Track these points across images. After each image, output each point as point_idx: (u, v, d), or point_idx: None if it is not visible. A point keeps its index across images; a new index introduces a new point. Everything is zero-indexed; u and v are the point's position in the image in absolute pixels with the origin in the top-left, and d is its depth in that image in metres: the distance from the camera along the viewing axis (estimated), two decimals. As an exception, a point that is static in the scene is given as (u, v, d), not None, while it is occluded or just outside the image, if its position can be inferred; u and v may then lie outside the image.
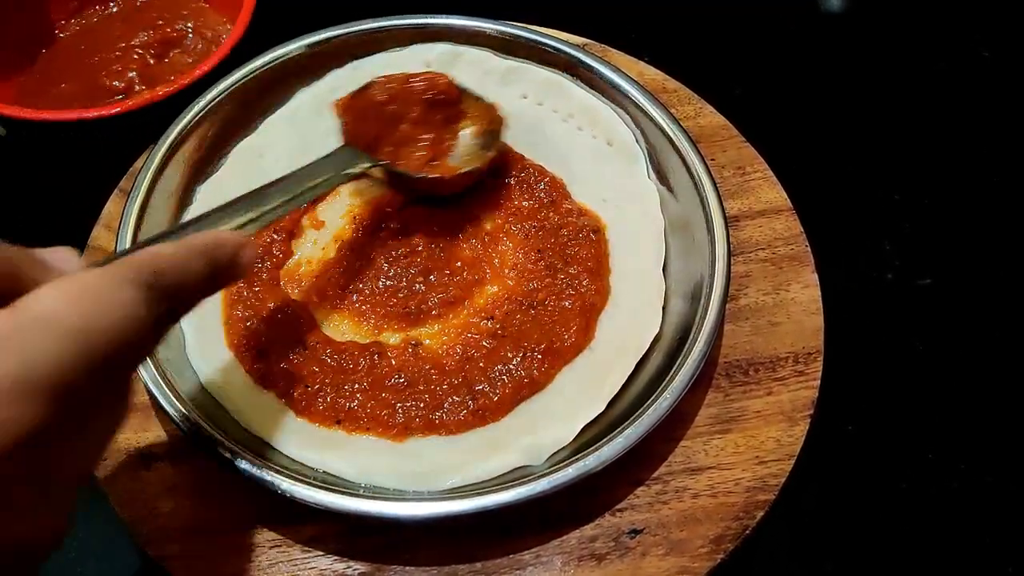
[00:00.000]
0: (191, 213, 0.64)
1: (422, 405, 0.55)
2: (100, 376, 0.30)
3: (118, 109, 0.66)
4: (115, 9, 0.82)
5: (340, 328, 0.60)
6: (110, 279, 0.31)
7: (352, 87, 0.70)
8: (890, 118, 0.80)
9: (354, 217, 0.64)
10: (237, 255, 0.41)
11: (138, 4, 0.83)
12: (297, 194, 0.53)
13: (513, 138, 0.67)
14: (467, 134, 0.64)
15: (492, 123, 0.64)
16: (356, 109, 0.63)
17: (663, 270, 0.62)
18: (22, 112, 0.66)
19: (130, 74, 0.74)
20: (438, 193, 0.64)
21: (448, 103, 0.64)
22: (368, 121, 0.62)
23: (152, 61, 0.76)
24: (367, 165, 0.60)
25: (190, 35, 0.79)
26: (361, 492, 0.51)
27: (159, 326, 0.35)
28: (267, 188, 0.52)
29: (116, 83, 0.66)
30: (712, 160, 0.67)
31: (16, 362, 0.27)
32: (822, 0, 0.92)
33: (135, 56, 0.77)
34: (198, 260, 0.37)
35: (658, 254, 0.62)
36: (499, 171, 0.65)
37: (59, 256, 0.35)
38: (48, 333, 0.28)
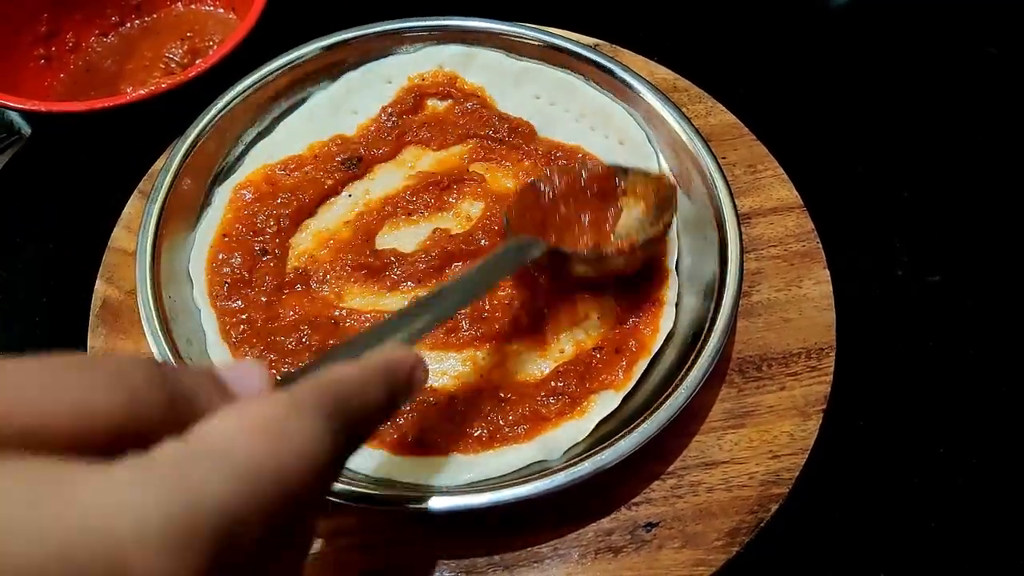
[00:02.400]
0: (209, 214, 0.65)
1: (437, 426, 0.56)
2: (277, 519, 0.25)
3: (126, 100, 0.67)
4: (147, 22, 0.84)
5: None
6: (292, 408, 0.28)
7: (365, 89, 0.72)
8: (899, 115, 0.81)
9: None
10: (413, 375, 0.37)
11: (168, 18, 0.85)
12: (472, 294, 0.50)
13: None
14: (635, 212, 0.61)
15: (659, 193, 0.61)
16: (520, 203, 0.60)
17: (676, 267, 0.62)
18: (42, 105, 0.68)
19: (153, 84, 0.75)
20: (613, 275, 0.60)
21: (608, 190, 0.62)
22: (532, 211, 0.60)
23: (179, 72, 0.77)
24: (540, 251, 0.56)
25: (214, 48, 0.80)
26: (379, 486, 0.52)
27: (340, 460, 0.30)
28: (443, 290, 0.48)
29: (141, 92, 0.67)
30: (723, 158, 0.67)
31: (180, 503, 0.23)
32: (830, -1, 0.93)
33: (161, 66, 0.79)
34: (378, 384, 0.34)
35: (671, 252, 0.63)
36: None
37: (242, 374, 0.32)
38: (221, 470, 0.24)
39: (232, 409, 0.27)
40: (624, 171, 0.62)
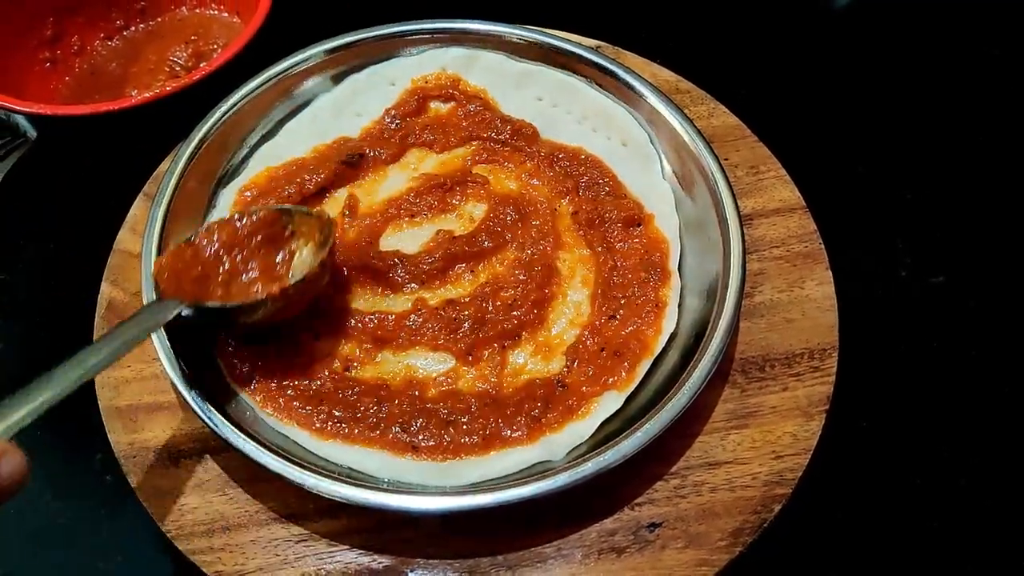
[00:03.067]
0: (214, 216, 0.65)
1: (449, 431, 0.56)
2: None
3: (131, 103, 0.67)
4: (151, 26, 0.85)
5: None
6: None
7: (369, 92, 0.72)
8: (901, 116, 0.81)
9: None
10: None
11: (172, 21, 0.85)
12: (94, 365, 0.47)
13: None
14: (306, 251, 0.59)
15: (322, 231, 0.60)
16: (174, 265, 0.57)
17: (679, 268, 0.62)
18: (47, 108, 0.69)
19: (158, 87, 0.76)
20: (282, 318, 0.59)
21: (275, 235, 0.60)
22: (189, 270, 0.57)
23: (183, 75, 0.78)
24: (178, 310, 0.53)
25: (218, 51, 0.80)
26: (385, 487, 0.52)
27: None
28: (55, 370, 0.45)
29: (146, 95, 0.68)
30: (726, 160, 0.68)
31: None
32: None
33: (166, 69, 0.79)
34: None
35: (674, 253, 0.63)
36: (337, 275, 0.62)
37: None
38: None
39: None
40: (288, 212, 0.60)
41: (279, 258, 0.59)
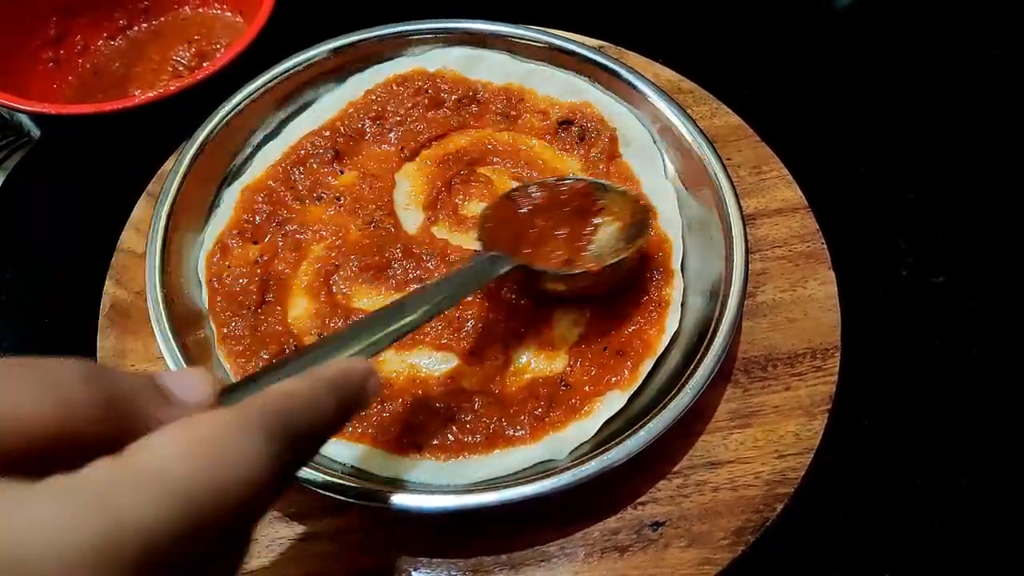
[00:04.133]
0: (218, 216, 0.66)
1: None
2: (211, 538, 0.25)
3: (135, 103, 0.67)
4: (155, 25, 0.85)
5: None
6: (236, 428, 0.27)
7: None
8: (903, 117, 0.81)
9: None
10: (364, 386, 0.36)
11: (176, 21, 0.85)
12: (435, 304, 0.49)
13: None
14: (610, 231, 0.60)
15: (635, 215, 0.60)
16: (496, 215, 0.60)
17: (681, 268, 0.63)
18: (51, 107, 0.69)
19: (161, 87, 0.76)
20: (583, 294, 0.60)
21: (586, 207, 0.61)
22: (508, 224, 0.60)
23: (186, 75, 0.78)
24: (508, 268, 0.55)
25: (221, 51, 0.80)
26: (387, 486, 0.52)
27: (285, 476, 0.30)
28: (406, 299, 0.48)
29: (150, 94, 0.68)
30: (728, 160, 0.68)
31: (104, 524, 0.22)
32: None
33: (169, 69, 0.80)
34: (328, 397, 0.33)
35: (677, 252, 0.63)
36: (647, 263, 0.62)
37: (188, 383, 0.31)
38: (153, 492, 0.23)
39: (172, 428, 0.26)
40: (603, 188, 0.62)
41: (585, 231, 0.60)
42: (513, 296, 0.60)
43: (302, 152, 0.68)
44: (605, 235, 0.60)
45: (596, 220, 0.61)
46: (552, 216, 0.60)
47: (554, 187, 0.61)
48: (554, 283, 0.59)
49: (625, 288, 0.61)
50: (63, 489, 0.23)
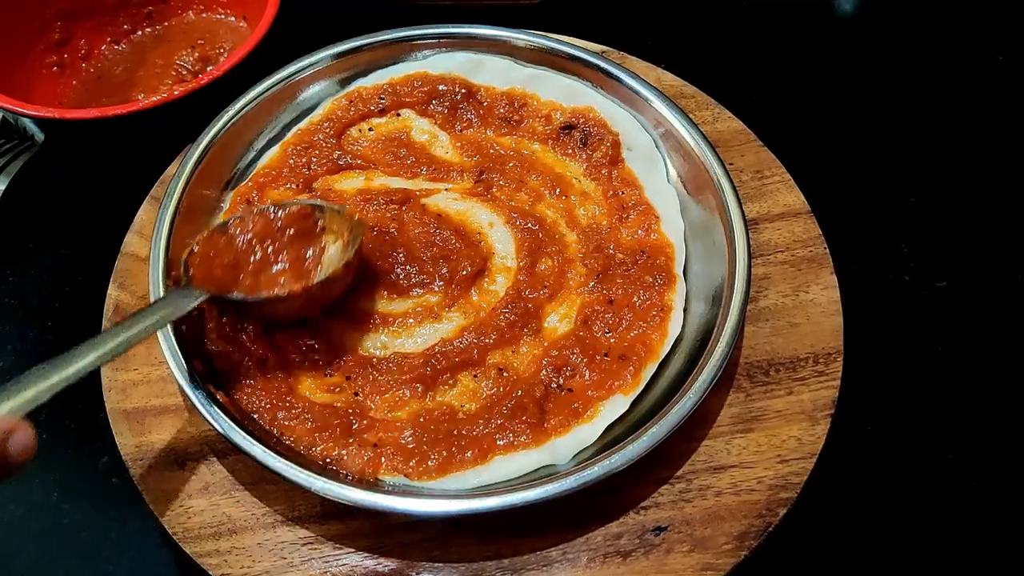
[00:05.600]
0: (220, 219, 0.66)
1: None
2: None
3: (138, 107, 0.68)
4: (159, 30, 0.85)
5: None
6: None
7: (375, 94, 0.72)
8: (906, 122, 0.81)
9: None
10: (5, 443, 0.35)
11: (179, 26, 0.86)
12: (108, 354, 0.48)
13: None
14: (333, 250, 0.60)
15: (352, 231, 0.60)
16: (207, 250, 0.58)
17: (684, 273, 0.63)
18: (55, 112, 0.69)
19: (165, 91, 0.76)
20: (302, 315, 0.60)
21: (307, 229, 0.60)
22: (222, 257, 0.58)
23: (190, 79, 0.79)
24: (196, 301, 0.54)
25: (225, 56, 0.81)
26: (391, 490, 0.52)
27: None
28: (77, 348, 0.46)
29: (153, 99, 0.68)
30: (731, 164, 0.68)
31: None
32: (836, 4, 0.93)
33: (172, 73, 0.80)
34: None
35: (679, 257, 0.63)
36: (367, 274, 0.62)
37: None
38: None
39: None
40: (320, 209, 0.61)
41: (309, 253, 0.59)
42: (240, 324, 0.59)
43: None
44: (328, 254, 0.60)
45: (322, 242, 0.60)
46: (274, 242, 0.59)
47: (267, 215, 0.59)
48: (269, 310, 0.58)
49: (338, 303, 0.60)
50: None
